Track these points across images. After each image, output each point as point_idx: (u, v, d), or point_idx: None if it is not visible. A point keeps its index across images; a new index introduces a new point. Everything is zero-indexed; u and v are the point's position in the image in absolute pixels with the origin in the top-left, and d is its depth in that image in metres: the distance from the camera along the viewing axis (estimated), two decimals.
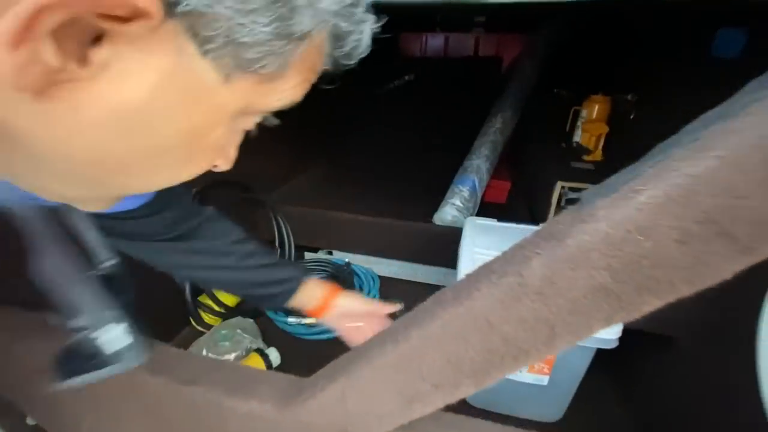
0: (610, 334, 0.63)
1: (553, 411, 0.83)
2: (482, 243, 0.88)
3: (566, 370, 0.73)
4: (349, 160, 1.98)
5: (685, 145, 0.25)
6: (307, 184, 1.58)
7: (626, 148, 1.12)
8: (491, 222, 1.02)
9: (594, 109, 1.26)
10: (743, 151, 0.22)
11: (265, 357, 0.93)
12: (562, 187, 1.13)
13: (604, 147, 1.26)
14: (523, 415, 0.86)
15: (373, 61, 0.32)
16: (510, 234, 0.90)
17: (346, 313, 0.59)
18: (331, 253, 1.46)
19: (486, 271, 0.33)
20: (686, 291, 0.27)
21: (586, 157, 1.26)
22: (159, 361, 0.53)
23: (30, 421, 0.75)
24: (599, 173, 1.17)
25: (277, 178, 1.50)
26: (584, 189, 1.06)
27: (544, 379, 0.74)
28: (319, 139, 1.87)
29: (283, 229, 1.38)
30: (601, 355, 1.03)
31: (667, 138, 0.28)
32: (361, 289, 1.25)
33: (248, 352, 0.96)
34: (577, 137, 1.31)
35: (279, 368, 0.97)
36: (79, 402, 0.60)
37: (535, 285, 0.29)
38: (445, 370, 0.36)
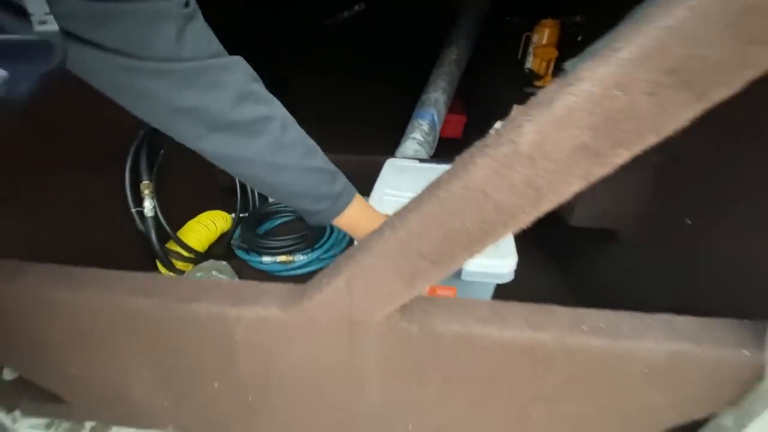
0: (506, 269, 0.67)
1: None
2: (395, 184, 0.91)
3: None
4: (305, 97, 1.90)
5: (652, 4, 0.29)
6: None
7: None
8: (412, 163, 1.06)
9: (544, 34, 1.30)
10: (709, 0, 0.26)
11: None
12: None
13: (554, 72, 1.31)
14: None
15: None
16: (427, 174, 0.95)
17: None
18: None
19: (481, 145, 0.36)
20: (652, 140, 0.31)
21: (537, 83, 1.31)
22: (151, 285, 0.52)
23: (8, 374, 0.72)
24: None
25: None
26: None
27: None
28: (271, 79, 1.76)
29: None
30: (551, 254, 1.17)
31: None
32: (331, 230, 1.26)
33: None
34: (529, 63, 1.36)
35: None
36: (65, 346, 0.59)
37: (526, 150, 0.33)
38: (442, 245, 0.40)
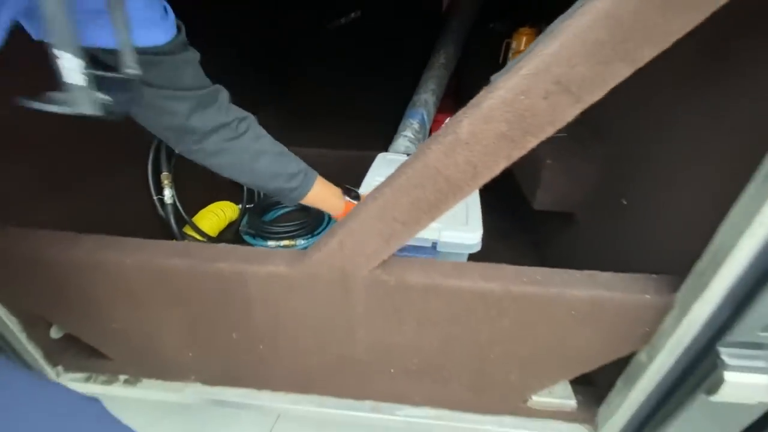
0: (473, 241, 0.80)
1: None
2: (385, 173, 1.05)
3: None
4: (305, 98, 2.04)
5: (545, 37, 0.42)
6: (262, 123, 1.64)
7: None
8: (400, 156, 1.20)
9: (522, 41, 1.43)
10: (572, 38, 0.39)
11: None
12: None
13: None
14: None
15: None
16: None
17: None
18: None
19: (434, 136, 0.49)
20: (550, 130, 0.45)
21: None
22: (184, 249, 0.66)
23: (54, 333, 0.85)
24: None
25: None
26: None
27: None
28: (272, 79, 1.90)
29: None
30: (528, 238, 1.30)
31: None
32: (329, 219, 1.39)
33: None
34: None
35: None
36: (111, 303, 0.72)
37: (464, 138, 0.46)
38: (410, 211, 0.53)
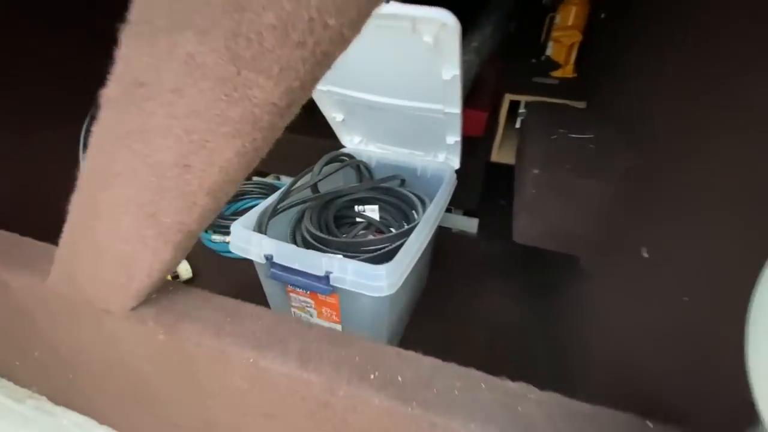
0: (379, 281, 0.52)
1: None
2: None
3: (355, 321, 0.63)
4: None
5: None
6: None
7: (601, 62, 0.94)
8: None
9: (570, 14, 1.07)
10: None
11: None
12: (511, 102, 1.00)
13: (577, 61, 1.08)
14: None
15: None
16: None
17: None
18: (278, 179, 1.40)
19: None
20: None
21: (554, 73, 1.09)
22: None
23: None
24: (564, 90, 1.01)
25: None
26: (542, 103, 0.93)
27: (338, 327, 0.64)
28: None
29: None
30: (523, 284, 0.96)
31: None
32: None
33: None
34: (549, 50, 1.14)
35: (190, 281, 0.95)
36: None
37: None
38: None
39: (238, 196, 1.25)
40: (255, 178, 1.42)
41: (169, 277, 0.90)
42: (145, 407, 0.51)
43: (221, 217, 1.12)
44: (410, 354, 0.35)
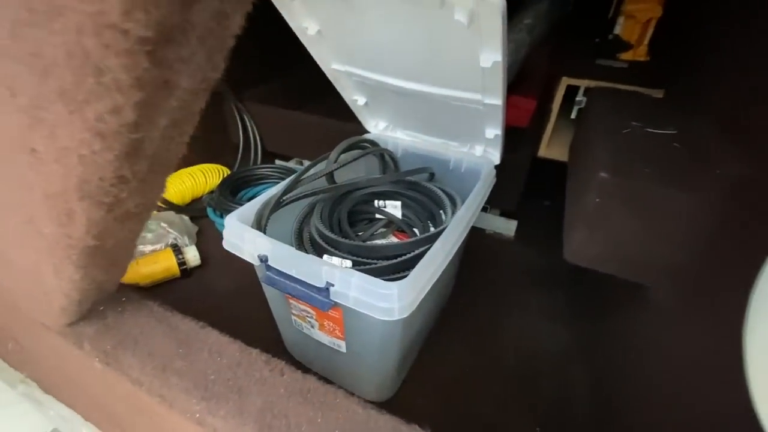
0: (389, 303, 0.42)
1: (372, 388, 0.62)
2: None
3: (360, 341, 0.53)
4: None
5: None
6: (281, 88, 1.39)
7: (688, 42, 0.77)
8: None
9: None
10: None
11: (177, 254, 0.86)
12: (569, 87, 0.85)
13: (651, 41, 0.90)
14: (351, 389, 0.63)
15: None
16: None
17: None
18: (301, 164, 1.32)
19: None
20: None
21: (622, 55, 0.92)
22: None
23: None
24: (636, 74, 0.85)
25: (252, 81, 1.33)
26: (607, 90, 0.77)
27: (341, 345, 0.55)
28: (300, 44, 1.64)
29: (249, 130, 1.26)
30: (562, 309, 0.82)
31: None
32: None
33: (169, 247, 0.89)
34: (618, 28, 0.96)
35: (197, 269, 0.89)
36: None
37: None
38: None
39: (257, 180, 1.18)
40: (278, 161, 1.35)
41: (174, 262, 0.86)
42: (113, 417, 0.45)
43: (235, 201, 1.05)
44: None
